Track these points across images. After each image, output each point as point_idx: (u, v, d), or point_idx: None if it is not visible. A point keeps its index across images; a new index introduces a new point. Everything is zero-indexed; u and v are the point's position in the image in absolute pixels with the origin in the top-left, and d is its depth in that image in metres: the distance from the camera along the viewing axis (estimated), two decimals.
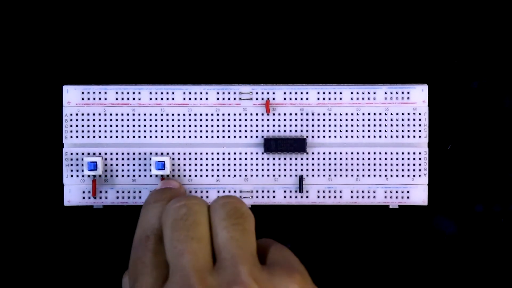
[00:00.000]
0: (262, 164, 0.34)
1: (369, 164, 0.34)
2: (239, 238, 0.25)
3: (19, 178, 0.35)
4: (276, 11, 0.35)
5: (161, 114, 0.34)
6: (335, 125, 0.34)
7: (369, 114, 0.34)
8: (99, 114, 0.34)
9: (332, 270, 0.35)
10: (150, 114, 0.34)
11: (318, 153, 0.34)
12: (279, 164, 0.34)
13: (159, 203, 0.28)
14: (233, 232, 0.25)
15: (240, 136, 0.34)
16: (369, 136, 0.34)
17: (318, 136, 0.34)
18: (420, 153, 0.34)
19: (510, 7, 0.35)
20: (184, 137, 0.34)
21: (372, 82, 0.34)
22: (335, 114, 0.34)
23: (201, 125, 0.34)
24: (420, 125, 0.34)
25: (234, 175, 0.34)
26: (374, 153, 0.34)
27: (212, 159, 0.34)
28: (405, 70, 0.35)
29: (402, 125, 0.34)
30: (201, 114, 0.34)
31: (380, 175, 0.34)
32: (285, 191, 0.34)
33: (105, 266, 0.35)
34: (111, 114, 0.34)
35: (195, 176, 0.34)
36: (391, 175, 0.34)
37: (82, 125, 0.34)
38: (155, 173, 0.33)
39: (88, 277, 0.35)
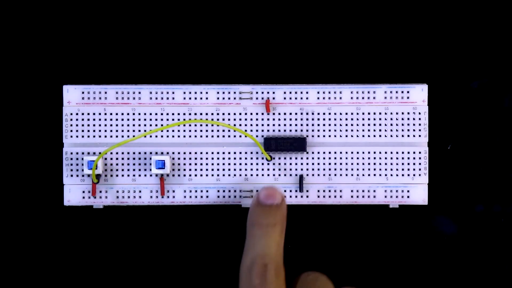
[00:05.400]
0: (262, 164, 0.34)
1: (369, 164, 0.34)
2: None
3: (19, 178, 0.35)
4: (276, 11, 0.35)
5: (161, 114, 0.34)
6: (335, 125, 0.34)
7: (369, 113, 0.34)
8: (99, 114, 0.34)
9: (332, 270, 0.35)
10: (150, 114, 0.34)
11: (318, 153, 0.34)
12: (279, 164, 0.34)
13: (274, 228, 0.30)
14: None
15: (240, 136, 0.34)
16: (369, 136, 0.34)
17: (318, 136, 0.34)
18: (420, 153, 0.34)
19: (510, 7, 0.35)
20: (184, 136, 0.34)
21: (372, 82, 0.34)
22: (335, 114, 0.34)
23: (201, 125, 0.34)
24: (420, 124, 0.34)
25: (234, 175, 0.34)
26: (374, 152, 0.34)
27: (212, 158, 0.34)
28: (405, 70, 0.35)
29: (402, 125, 0.34)
30: (201, 114, 0.34)
31: (380, 175, 0.34)
32: (285, 191, 0.34)
33: (105, 266, 0.35)
34: (111, 114, 0.34)
35: (195, 175, 0.34)
36: (391, 175, 0.34)
37: (82, 125, 0.34)
38: (155, 172, 0.33)
39: (88, 277, 0.35)
